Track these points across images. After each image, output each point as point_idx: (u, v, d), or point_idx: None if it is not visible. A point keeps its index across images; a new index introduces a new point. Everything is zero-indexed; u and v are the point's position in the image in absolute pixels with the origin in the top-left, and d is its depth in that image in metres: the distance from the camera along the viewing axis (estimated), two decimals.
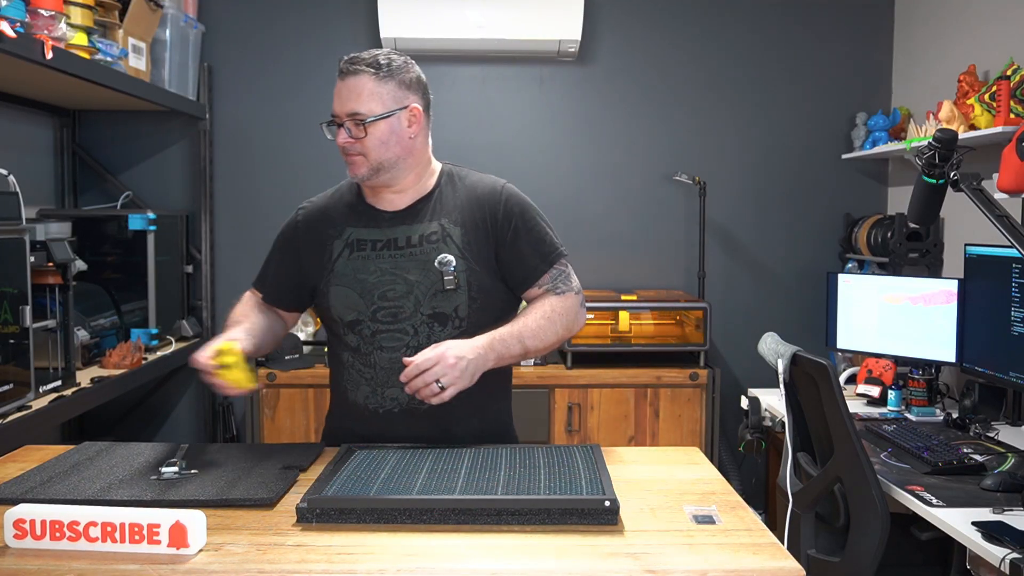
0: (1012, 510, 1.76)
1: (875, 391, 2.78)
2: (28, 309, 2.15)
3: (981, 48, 2.91)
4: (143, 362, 2.81)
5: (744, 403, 2.80)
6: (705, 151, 3.60)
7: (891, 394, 2.73)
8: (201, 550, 1.19)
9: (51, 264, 2.34)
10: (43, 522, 1.18)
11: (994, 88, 2.55)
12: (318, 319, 3.27)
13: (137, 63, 2.88)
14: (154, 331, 3.02)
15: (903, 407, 2.70)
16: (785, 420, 2.24)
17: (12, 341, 2.12)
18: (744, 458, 3.38)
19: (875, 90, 3.59)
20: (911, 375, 2.69)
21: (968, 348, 2.64)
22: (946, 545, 2.08)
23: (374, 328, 1.68)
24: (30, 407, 2.16)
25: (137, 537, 1.17)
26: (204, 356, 1.55)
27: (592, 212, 3.58)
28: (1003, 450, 2.19)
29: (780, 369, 2.14)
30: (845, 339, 3.03)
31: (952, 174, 1.77)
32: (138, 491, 1.38)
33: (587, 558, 1.18)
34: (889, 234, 3.20)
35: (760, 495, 3.41)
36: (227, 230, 3.53)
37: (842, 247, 3.60)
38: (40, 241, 2.36)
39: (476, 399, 1.66)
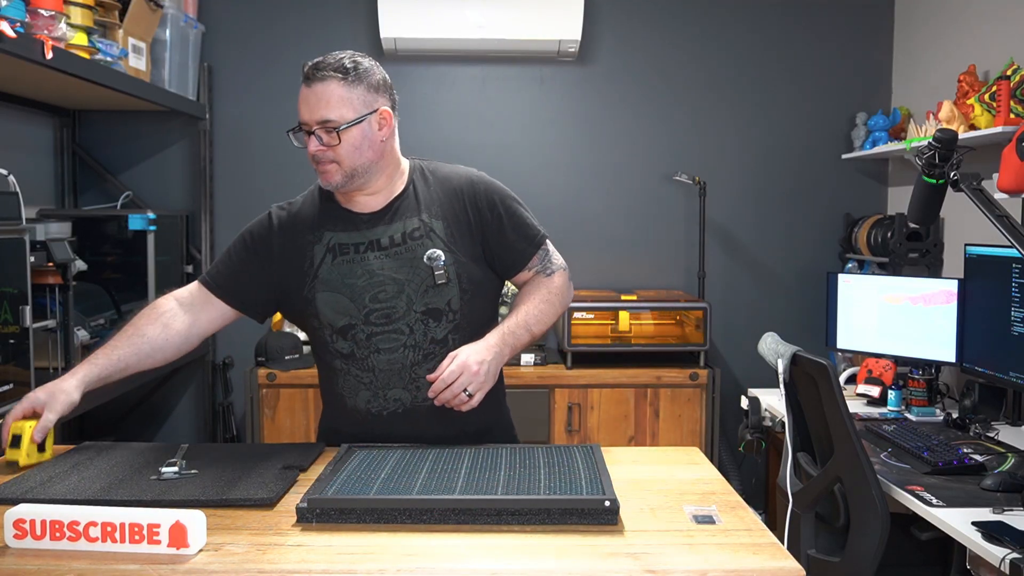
0: (1012, 510, 1.76)
1: (875, 391, 2.78)
2: (28, 309, 2.15)
3: (981, 48, 2.91)
4: None
5: (744, 403, 2.80)
6: (705, 151, 3.60)
7: (891, 394, 2.73)
8: (201, 550, 1.19)
9: (51, 264, 2.34)
10: (43, 522, 1.18)
11: (994, 88, 2.55)
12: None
13: (137, 63, 2.88)
14: None
15: (903, 407, 2.70)
16: (785, 420, 2.24)
17: (12, 341, 2.12)
18: (744, 458, 3.38)
19: (875, 90, 3.59)
20: (911, 375, 2.69)
21: (968, 348, 2.64)
22: (946, 545, 2.08)
23: (369, 331, 1.66)
24: None
25: (137, 537, 1.17)
26: (9, 421, 1.54)
27: (592, 212, 3.58)
28: (1003, 450, 2.19)
29: (780, 369, 2.14)
30: (845, 339, 3.03)
31: (952, 174, 1.77)
32: (138, 491, 1.38)
33: (587, 558, 1.18)
34: (889, 234, 3.20)
35: (760, 495, 3.41)
36: (227, 230, 3.53)
37: (842, 247, 3.60)
38: (40, 241, 2.36)
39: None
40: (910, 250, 3.12)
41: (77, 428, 3.31)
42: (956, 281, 2.70)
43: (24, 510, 1.19)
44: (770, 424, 2.77)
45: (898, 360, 2.83)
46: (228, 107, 3.52)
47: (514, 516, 1.29)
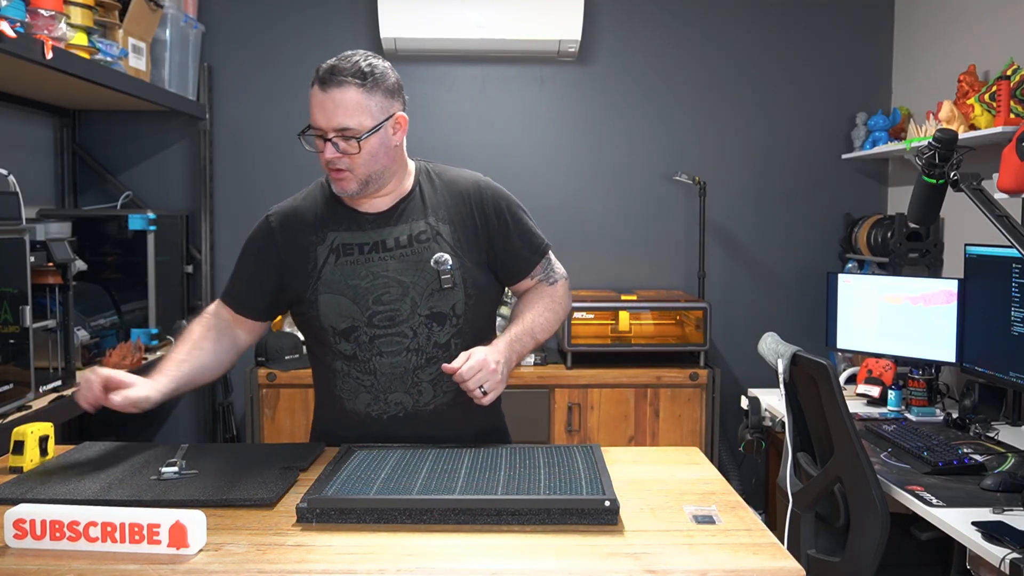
0: (1012, 510, 1.76)
1: (875, 391, 2.78)
2: (28, 309, 2.15)
3: (981, 48, 2.91)
4: (143, 362, 2.81)
5: (744, 403, 2.80)
6: (705, 151, 3.60)
7: (891, 394, 2.73)
8: (201, 550, 1.18)
9: (51, 264, 2.34)
10: (43, 522, 1.18)
11: (994, 88, 2.55)
12: None
13: (137, 63, 2.88)
14: (154, 331, 3.02)
15: (903, 407, 2.70)
16: (785, 420, 2.24)
17: (12, 341, 2.12)
18: (744, 458, 3.37)
19: (875, 90, 3.59)
20: (911, 375, 2.69)
21: (968, 348, 2.64)
22: (946, 545, 2.08)
23: (372, 333, 1.65)
24: (30, 407, 2.16)
25: (137, 537, 1.17)
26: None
27: (592, 212, 3.58)
28: (1003, 450, 2.19)
29: (780, 369, 2.14)
30: (845, 339, 3.03)
31: (952, 174, 1.77)
32: (138, 491, 1.38)
33: (587, 558, 1.18)
34: (889, 234, 3.20)
35: (760, 495, 3.41)
36: (227, 230, 3.53)
37: (842, 247, 3.60)
38: (40, 241, 2.36)
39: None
40: (910, 250, 3.12)
41: (77, 428, 3.30)
42: (956, 281, 2.70)
43: (24, 510, 1.19)
44: (770, 424, 2.77)
45: (898, 360, 2.83)
46: (228, 107, 3.52)
47: (514, 516, 1.29)
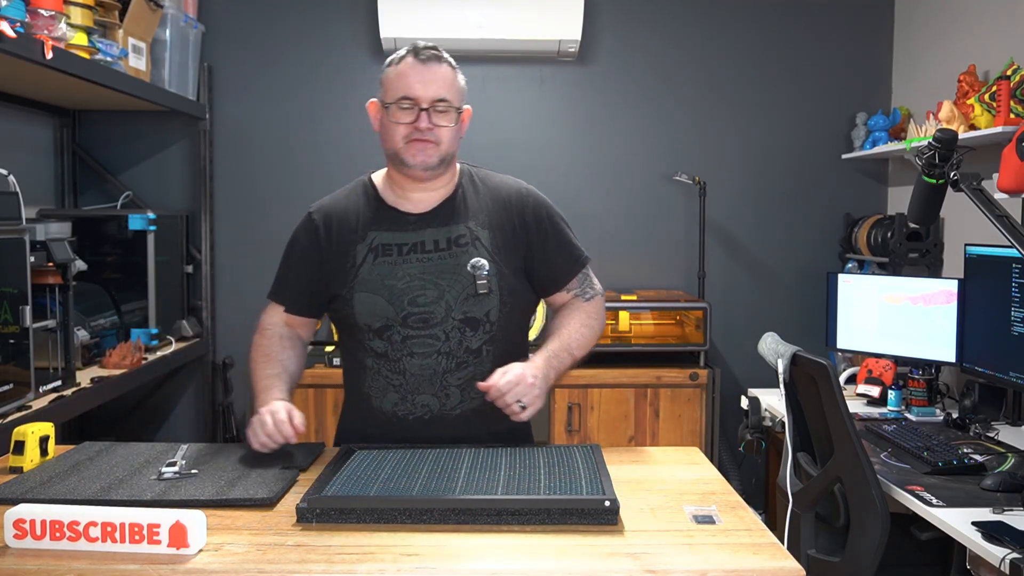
0: (1012, 510, 1.76)
1: (875, 391, 2.78)
2: (28, 309, 2.15)
3: (981, 48, 2.91)
4: (143, 362, 2.81)
5: (744, 403, 2.80)
6: (705, 151, 3.60)
7: (891, 394, 2.73)
8: (201, 550, 1.19)
9: (51, 264, 2.34)
10: (43, 522, 1.18)
11: (994, 88, 2.55)
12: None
13: (137, 63, 2.88)
14: (154, 331, 3.02)
15: (903, 407, 2.70)
16: (785, 420, 2.24)
17: (12, 341, 2.12)
18: (744, 458, 3.37)
19: (875, 90, 3.59)
20: (911, 375, 2.69)
21: (968, 348, 2.64)
22: (946, 545, 2.08)
23: (404, 334, 1.65)
24: (30, 407, 2.16)
25: (137, 537, 1.17)
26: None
27: (592, 212, 3.58)
28: (1003, 450, 2.19)
29: (780, 369, 2.14)
30: (845, 339, 3.03)
31: (952, 174, 1.77)
32: (138, 491, 1.38)
33: (587, 558, 1.18)
34: (889, 234, 3.20)
35: (760, 495, 3.41)
36: (227, 230, 3.53)
37: (842, 247, 3.60)
38: (40, 241, 2.36)
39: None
40: (910, 250, 3.12)
41: (77, 428, 3.31)
42: (956, 281, 2.70)
43: (24, 510, 1.19)
44: (770, 424, 2.77)
45: (898, 360, 2.83)
46: (228, 107, 3.52)
47: (514, 516, 1.29)
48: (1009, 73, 2.56)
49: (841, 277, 3.06)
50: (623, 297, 3.31)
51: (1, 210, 2.12)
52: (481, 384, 1.57)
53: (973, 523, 1.69)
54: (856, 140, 3.51)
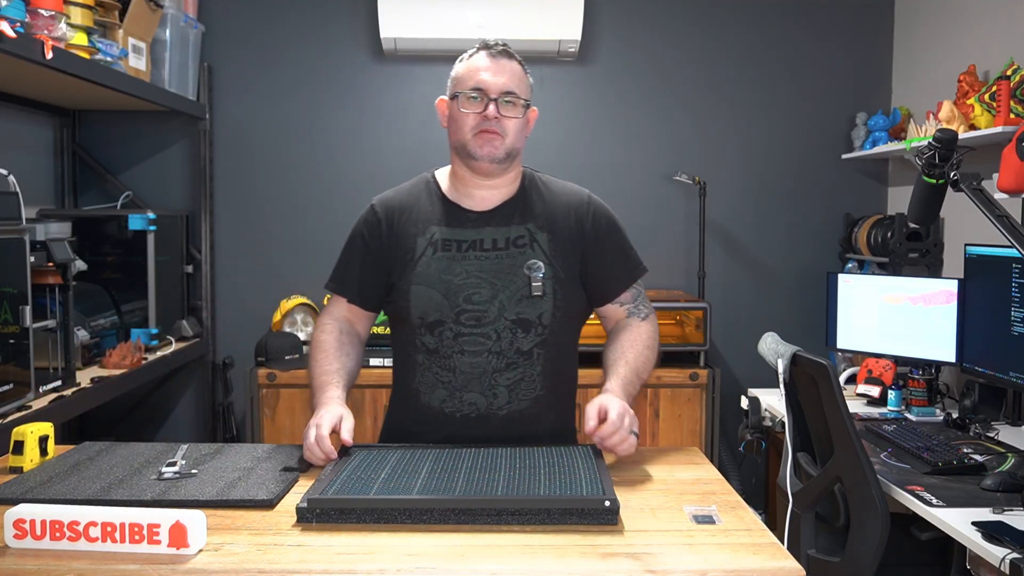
0: (1012, 510, 1.76)
1: (875, 391, 2.78)
2: (28, 309, 2.15)
3: (981, 48, 2.91)
4: (143, 362, 2.81)
5: (744, 403, 2.80)
6: (705, 151, 3.60)
7: (891, 394, 2.73)
8: (201, 550, 1.18)
9: (51, 264, 2.34)
10: (43, 522, 1.18)
11: (994, 88, 2.55)
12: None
13: (137, 63, 2.88)
14: (154, 331, 3.02)
15: (903, 407, 2.70)
16: (785, 420, 2.24)
17: (12, 341, 2.12)
18: (744, 458, 3.37)
19: (875, 90, 3.59)
20: (911, 375, 2.69)
21: (968, 348, 2.64)
22: (946, 545, 2.08)
23: (457, 331, 1.65)
24: (30, 407, 2.16)
25: (137, 537, 1.17)
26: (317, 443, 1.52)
27: None
28: (1003, 450, 2.19)
29: (780, 369, 2.13)
30: (845, 339, 3.03)
31: (952, 174, 1.77)
32: (138, 491, 1.38)
33: (587, 558, 1.18)
34: (889, 234, 3.20)
35: (760, 495, 3.41)
36: (227, 230, 3.53)
37: (842, 247, 3.60)
38: (40, 241, 2.36)
39: (548, 400, 1.70)
40: (910, 250, 3.12)
41: (77, 428, 3.31)
42: (956, 281, 2.70)
43: (24, 510, 1.19)
44: (770, 424, 2.77)
45: (898, 360, 2.83)
46: (228, 107, 3.52)
47: (514, 516, 1.29)
48: (1009, 73, 2.56)
49: (841, 277, 3.06)
50: None
51: (1, 210, 2.12)
52: (588, 429, 1.54)
53: (973, 523, 1.69)
54: (856, 140, 3.51)
